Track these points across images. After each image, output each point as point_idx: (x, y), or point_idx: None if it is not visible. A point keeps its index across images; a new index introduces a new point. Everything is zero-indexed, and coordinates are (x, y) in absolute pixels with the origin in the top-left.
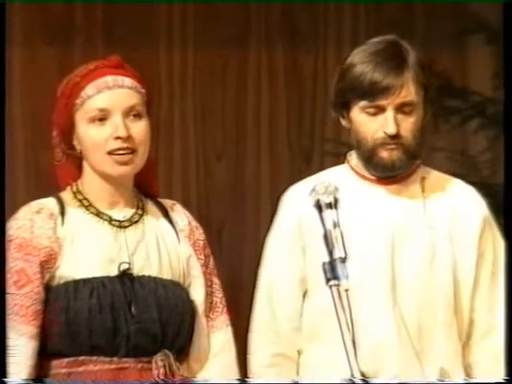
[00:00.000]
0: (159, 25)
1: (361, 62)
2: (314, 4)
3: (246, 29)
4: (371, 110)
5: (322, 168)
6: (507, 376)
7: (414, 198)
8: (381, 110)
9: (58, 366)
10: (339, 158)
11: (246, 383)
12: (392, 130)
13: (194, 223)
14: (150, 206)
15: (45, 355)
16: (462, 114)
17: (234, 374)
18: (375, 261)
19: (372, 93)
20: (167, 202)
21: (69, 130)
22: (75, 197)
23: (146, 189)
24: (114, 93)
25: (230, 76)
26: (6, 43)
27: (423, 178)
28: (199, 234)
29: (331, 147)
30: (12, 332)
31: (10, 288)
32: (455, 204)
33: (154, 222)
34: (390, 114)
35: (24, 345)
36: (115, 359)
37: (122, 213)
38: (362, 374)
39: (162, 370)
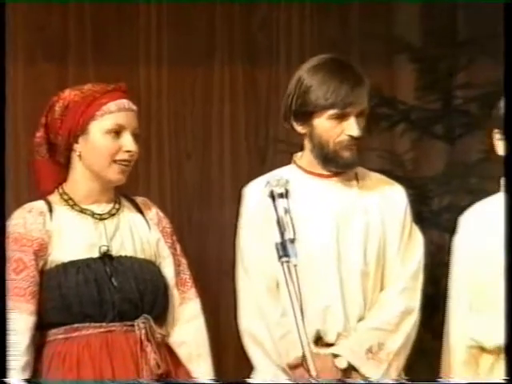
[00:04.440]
0: (139, 46)
1: (323, 80)
2: (267, 26)
3: (212, 49)
4: (337, 118)
5: (275, 165)
6: (507, 376)
7: (351, 188)
8: (345, 116)
9: (56, 334)
10: (290, 156)
11: (245, 383)
12: (357, 133)
13: (162, 214)
14: (125, 202)
15: (45, 326)
16: (390, 120)
17: (204, 336)
18: (324, 239)
19: (340, 104)
20: (139, 199)
21: (75, 134)
22: (61, 197)
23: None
24: (128, 113)
25: (198, 88)
26: (5, 40)
27: (356, 173)
28: (166, 222)
29: (283, 147)
30: (14, 310)
31: (10, 275)
32: (383, 193)
33: (128, 214)
34: (353, 120)
35: (25, 320)
36: (104, 324)
37: (102, 207)
38: (316, 335)
39: (143, 331)
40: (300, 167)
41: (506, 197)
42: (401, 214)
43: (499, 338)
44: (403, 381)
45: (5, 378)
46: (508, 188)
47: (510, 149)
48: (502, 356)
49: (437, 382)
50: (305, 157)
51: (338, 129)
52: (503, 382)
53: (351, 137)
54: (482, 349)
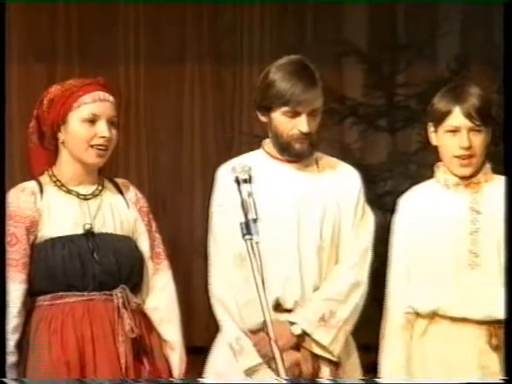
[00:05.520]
0: (119, 47)
1: (282, 79)
2: (232, 31)
3: (183, 50)
4: (290, 114)
5: (240, 154)
6: (507, 376)
7: (311, 172)
8: (297, 114)
9: (43, 300)
10: (252, 146)
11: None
12: (306, 129)
13: (140, 195)
14: (107, 184)
15: (34, 293)
16: (340, 114)
17: (175, 302)
18: (285, 218)
19: (292, 103)
20: (120, 181)
21: (57, 123)
22: (51, 179)
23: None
24: (103, 104)
25: (171, 85)
26: (5, 39)
27: (317, 159)
28: (143, 202)
29: (247, 138)
30: (8, 280)
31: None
32: (340, 177)
33: (109, 194)
34: (304, 117)
35: (17, 287)
36: (85, 293)
37: (86, 189)
38: (276, 302)
39: (120, 300)
40: (267, 152)
41: (506, 194)
42: (355, 196)
43: (432, 305)
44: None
45: (4, 377)
46: (508, 186)
47: (510, 148)
48: (434, 321)
49: (436, 382)
50: (270, 143)
51: (290, 124)
52: (503, 381)
53: (301, 132)
54: (417, 314)
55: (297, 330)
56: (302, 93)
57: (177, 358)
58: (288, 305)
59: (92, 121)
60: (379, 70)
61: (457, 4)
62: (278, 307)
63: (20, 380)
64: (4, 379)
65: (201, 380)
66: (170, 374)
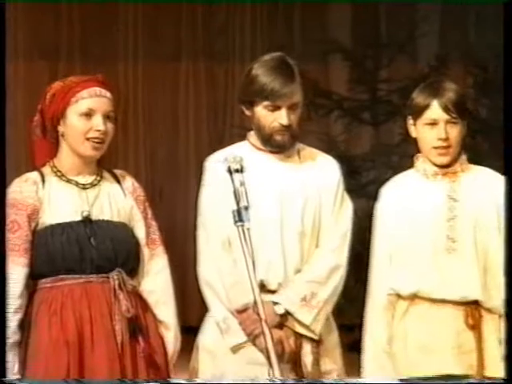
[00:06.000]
0: (119, 47)
1: (263, 74)
2: (225, 31)
3: (179, 49)
4: (270, 108)
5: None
6: (507, 376)
7: (293, 163)
8: (277, 108)
9: (44, 283)
10: (243, 138)
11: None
12: (285, 122)
13: (137, 184)
14: (106, 174)
15: (35, 276)
16: (326, 108)
17: (170, 286)
18: (269, 206)
19: (273, 97)
20: (118, 171)
21: (57, 117)
22: (52, 170)
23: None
24: (100, 99)
25: (167, 82)
26: (6, 39)
27: (299, 150)
28: (140, 191)
29: (237, 131)
30: (11, 264)
31: (7, 234)
32: (321, 167)
33: (107, 184)
34: (284, 111)
35: (20, 271)
36: (83, 276)
37: (85, 178)
38: (261, 283)
39: (116, 282)
40: (252, 144)
41: (506, 191)
42: (334, 184)
43: (412, 287)
44: (398, 381)
45: (4, 377)
46: (508, 185)
47: (510, 148)
48: (415, 302)
49: (437, 382)
50: (255, 135)
51: (271, 117)
52: (503, 382)
53: (281, 124)
54: (399, 296)
55: (280, 310)
56: (281, 87)
57: (172, 337)
58: (272, 286)
59: (89, 115)
60: (363, 67)
61: (435, 4)
62: (263, 289)
63: (20, 380)
64: (4, 379)
65: (198, 380)
66: (165, 352)
